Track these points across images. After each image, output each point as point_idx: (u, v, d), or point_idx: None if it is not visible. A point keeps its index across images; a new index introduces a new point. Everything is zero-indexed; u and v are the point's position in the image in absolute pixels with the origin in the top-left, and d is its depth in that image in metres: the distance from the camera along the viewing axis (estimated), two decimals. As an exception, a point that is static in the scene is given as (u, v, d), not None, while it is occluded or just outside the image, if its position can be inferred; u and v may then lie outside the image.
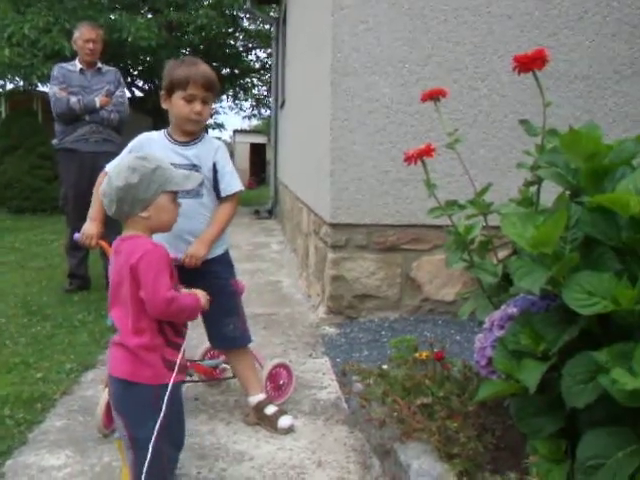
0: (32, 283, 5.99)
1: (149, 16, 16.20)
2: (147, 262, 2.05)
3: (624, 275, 1.90)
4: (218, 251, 2.97)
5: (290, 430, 2.91)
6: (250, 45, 20.48)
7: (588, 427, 1.87)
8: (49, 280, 6.09)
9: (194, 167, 2.83)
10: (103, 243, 2.96)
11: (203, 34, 16.43)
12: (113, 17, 14.37)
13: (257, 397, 3.01)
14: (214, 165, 2.91)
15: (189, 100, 2.80)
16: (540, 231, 1.98)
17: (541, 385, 1.93)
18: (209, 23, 15.89)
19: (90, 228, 2.90)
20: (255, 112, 26.75)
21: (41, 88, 14.89)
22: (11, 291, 5.65)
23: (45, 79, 13.75)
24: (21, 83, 14.72)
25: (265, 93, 23.38)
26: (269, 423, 2.94)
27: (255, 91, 23.48)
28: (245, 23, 19.52)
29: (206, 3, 16.70)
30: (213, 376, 3.37)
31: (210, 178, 2.90)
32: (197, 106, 2.81)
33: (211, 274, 2.90)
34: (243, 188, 3.02)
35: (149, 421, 2.07)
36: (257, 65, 21.56)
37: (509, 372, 2.04)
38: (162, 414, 2.07)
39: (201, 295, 2.24)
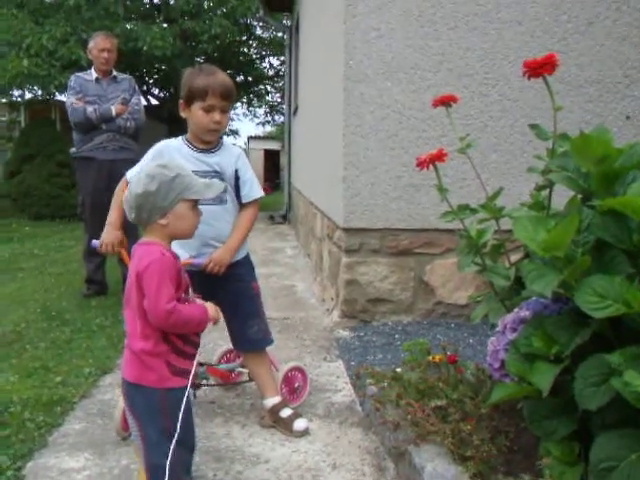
0: (51, 289, 6.03)
1: (164, 26, 16.24)
2: (151, 272, 2.04)
3: (636, 278, 1.89)
4: (240, 254, 2.97)
5: (305, 433, 2.90)
6: (263, 53, 20.54)
7: (601, 430, 1.86)
8: (68, 286, 6.12)
9: (217, 174, 2.84)
10: (122, 251, 2.97)
11: (217, 42, 16.48)
12: (129, 27, 14.46)
13: (273, 400, 3.01)
14: (236, 172, 2.91)
15: (208, 110, 2.78)
16: (552, 235, 1.98)
17: (554, 388, 1.92)
18: (223, 32, 15.93)
19: (109, 236, 2.89)
20: (269, 119, 26.87)
21: (59, 97, 15.01)
22: (31, 297, 5.69)
23: (63, 88, 13.85)
24: (39, 92, 14.85)
25: (278, 100, 23.43)
26: (284, 426, 2.94)
27: (269, 98, 23.55)
28: (258, 31, 19.60)
29: (220, 12, 16.75)
30: (229, 380, 3.38)
31: (232, 185, 2.90)
32: (216, 116, 2.79)
33: (234, 277, 2.91)
34: (263, 194, 3.02)
35: (156, 422, 2.09)
36: (270, 72, 21.63)
37: (522, 375, 2.03)
38: (173, 414, 2.07)
39: (210, 307, 2.19)
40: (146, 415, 2.12)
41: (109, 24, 13.33)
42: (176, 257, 2.16)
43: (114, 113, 5.39)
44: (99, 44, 5.56)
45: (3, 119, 14.71)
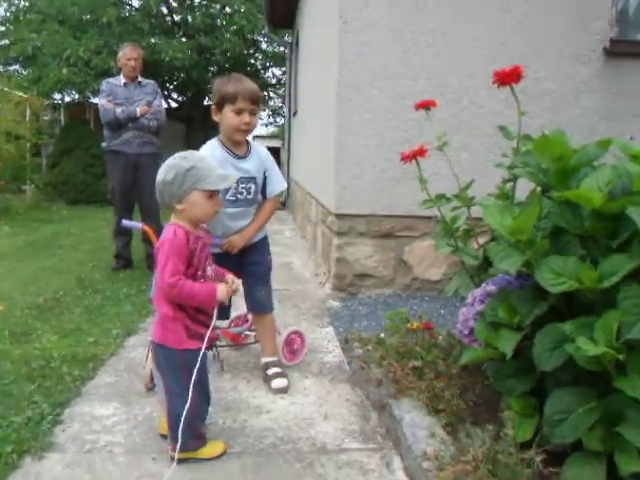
0: (85, 262, 5.98)
1: (183, 40, 16.09)
2: (162, 248, 2.05)
3: (587, 259, 1.88)
4: (260, 235, 2.99)
5: (281, 391, 2.83)
6: (267, 64, 20.32)
7: (554, 387, 1.86)
8: (99, 260, 6.07)
9: (252, 179, 2.82)
10: (147, 228, 2.95)
11: (228, 55, 16.32)
12: (153, 41, 14.32)
13: (266, 359, 2.99)
14: (264, 173, 2.88)
15: (238, 112, 2.70)
16: (516, 221, 1.96)
17: (515, 352, 1.91)
18: (233, 46, 15.78)
19: None
20: (271, 120, 26.65)
21: (93, 100, 14.92)
22: (68, 269, 5.64)
23: (96, 93, 13.78)
24: (76, 96, 14.76)
25: (280, 104, 23.27)
26: (266, 382, 2.91)
27: (272, 103, 23.35)
28: (263, 46, 19.39)
29: (230, 29, 16.59)
30: (238, 341, 3.35)
31: (261, 184, 2.88)
32: (246, 117, 2.71)
33: (255, 249, 2.95)
34: (286, 185, 3.00)
35: (177, 377, 2.09)
36: (273, 81, 21.42)
37: (488, 341, 2.02)
38: (194, 375, 2.06)
39: (221, 290, 2.11)
40: (169, 371, 2.12)
41: (137, 38, 13.22)
42: (190, 238, 2.10)
43: (138, 114, 5.33)
44: (127, 54, 5.50)
45: (46, 118, 14.56)
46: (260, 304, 3.01)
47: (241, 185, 2.78)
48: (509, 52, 4.39)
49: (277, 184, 2.93)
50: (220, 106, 2.75)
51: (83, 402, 2.70)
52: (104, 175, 12.50)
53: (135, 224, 3.33)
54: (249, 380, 3.00)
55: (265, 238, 3.05)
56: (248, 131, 2.78)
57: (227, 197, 2.75)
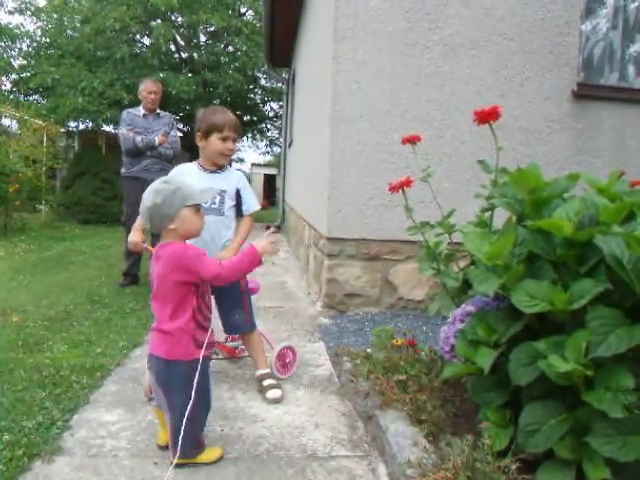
0: (94, 278, 5.94)
1: (189, 75, 16.18)
2: (187, 255, 2.06)
3: (558, 283, 1.89)
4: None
5: (276, 402, 2.81)
6: (266, 98, 20.45)
7: (528, 400, 1.86)
8: (107, 276, 6.04)
9: (222, 192, 2.89)
10: (150, 248, 2.93)
11: (230, 90, 16.43)
12: (162, 75, 14.40)
13: (260, 371, 2.98)
14: (237, 191, 2.97)
15: (224, 140, 2.84)
16: (494, 247, 1.97)
17: (492, 367, 1.91)
18: (235, 82, 15.90)
19: (132, 236, 2.86)
20: (268, 150, 26.74)
21: (105, 128, 14.95)
22: (78, 284, 5.60)
23: (108, 121, 13.85)
24: (90, 125, 14.78)
25: (276, 135, 23.37)
26: (262, 393, 2.89)
27: (269, 134, 23.45)
28: (263, 81, 19.54)
29: (233, 66, 16.71)
30: (234, 355, 3.34)
31: (233, 200, 2.96)
32: (230, 144, 2.87)
33: None
34: (258, 207, 3.07)
35: (183, 390, 2.05)
36: (271, 114, 21.55)
37: (468, 356, 2.02)
38: (195, 383, 2.04)
39: (261, 244, 2.26)
40: (174, 385, 2.08)
41: (147, 72, 13.29)
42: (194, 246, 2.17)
43: (157, 143, 5.36)
44: (148, 87, 5.54)
45: (61, 144, 14.56)
46: (237, 327, 3.01)
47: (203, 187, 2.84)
48: (488, 91, 4.45)
49: (252, 204, 3.02)
50: (207, 134, 2.86)
51: (91, 409, 2.68)
52: (114, 198, 12.58)
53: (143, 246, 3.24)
54: (245, 391, 2.98)
55: None
56: (230, 156, 2.92)
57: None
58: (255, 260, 2.22)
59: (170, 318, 2.07)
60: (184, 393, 2.06)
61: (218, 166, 2.93)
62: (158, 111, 5.62)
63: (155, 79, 5.93)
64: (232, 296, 2.95)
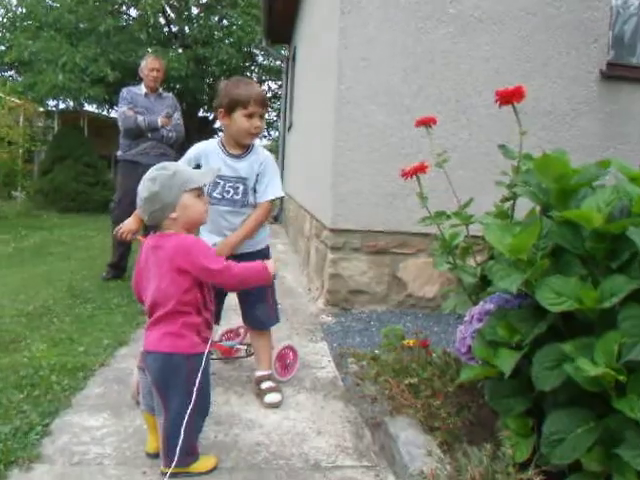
0: (76, 271, 5.95)
1: (179, 51, 16.15)
2: (195, 247, 2.07)
3: (587, 279, 1.88)
4: (260, 245, 2.93)
5: (274, 406, 2.80)
6: (263, 77, 20.45)
7: (552, 407, 1.85)
8: (90, 269, 6.04)
9: (240, 180, 2.79)
10: (142, 238, 2.90)
11: (224, 67, 16.40)
12: (150, 51, 14.36)
13: (260, 372, 2.97)
14: (257, 176, 2.83)
15: (250, 116, 2.71)
16: (517, 240, 1.96)
17: (513, 371, 1.90)
18: (229, 58, 15.87)
19: (129, 223, 2.75)
20: (265, 134, 26.69)
21: (88, 108, 14.92)
22: (58, 277, 5.61)
23: (91, 100, 13.82)
24: (71, 103, 14.75)
25: (275, 118, 23.32)
26: (259, 396, 2.88)
27: (266, 116, 23.46)
28: (260, 59, 19.51)
29: (227, 42, 16.68)
30: (230, 355, 3.33)
31: (253, 187, 2.84)
32: (257, 122, 2.74)
33: (253, 260, 2.85)
34: (280, 194, 2.89)
35: (182, 390, 2.05)
36: (269, 94, 21.51)
37: (486, 359, 2.01)
38: (197, 382, 2.03)
39: (271, 264, 2.26)
40: (173, 384, 2.06)
41: (134, 47, 13.27)
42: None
43: (160, 124, 5.35)
44: (150, 64, 5.53)
45: (39, 125, 14.55)
46: (260, 322, 2.99)
47: (228, 184, 2.78)
48: (509, 70, 4.43)
49: (269, 190, 2.84)
50: (230, 110, 2.73)
51: (72, 412, 2.67)
52: (97, 184, 12.59)
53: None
54: (241, 394, 2.97)
55: (265, 249, 2.97)
56: (258, 134, 2.79)
57: (214, 194, 2.77)
58: (262, 278, 2.22)
59: (172, 314, 2.06)
60: (183, 393, 2.05)
61: (243, 147, 2.82)
62: (160, 91, 5.63)
63: (157, 55, 5.93)
64: (256, 288, 2.93)
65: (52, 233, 8.99)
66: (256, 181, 2.83)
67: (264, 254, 2.91)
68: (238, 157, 2.81)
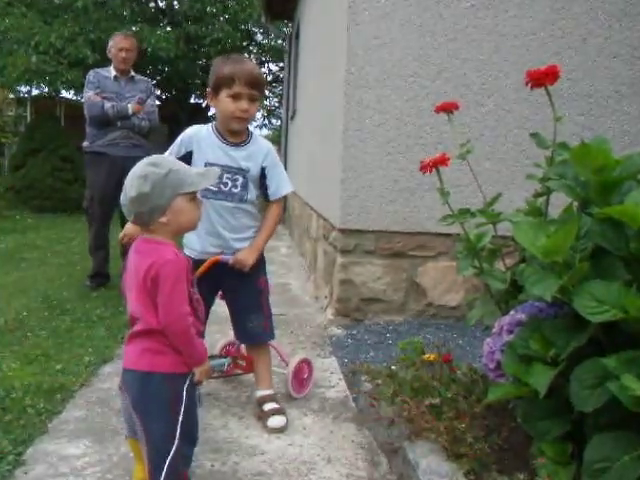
0: (53, 279, 5.97)
1: (168, 29, 16.21)
2: (167, 269, 1.99)
3: (633, 285, 1.87)
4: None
5: (278, 430, 2.81)
6: (263, 59, 20.51)
7: (595, 431, 1.84)
8: (69, 276, 6.07)
9: (240, 172, 2.80)
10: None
11: (219, 47, 16.44)
12: (135, 29, 14.41)
13: (262, 392, 2.98)
14: (262, 170, 2.85)
15: (235, 98, 2.71)
16: (551, 240, 1.95)
17: (549, 389, 1.90)
18: (225, 36, 15.91)
19: (131, 227, 2.70)
20: (266, 122, 26.77)
21: (65, 94, 14.95)
22: (33, 286, 5.63)
23: (69, 86, 13.85)
24: (46, 89, 14.79)
25: (276, 104, 23.40)
26: (262, 419, 2.89)
27: (266, 102, 23.47)
28: (259, 37, 19.57)
29: (222, 18, 16.74)
30: (227, 372, 3.32)
31: (257, 181, 2.86)
32: (243, 104, 2.72)
33: (239, 271, 2.85)
34: (292, 189, 2.97)
35: (164, 416, 2.03)
36: (269, 78, 21.59)
37: (518, 376, 2.01)
38: (182, 409, 2.03)
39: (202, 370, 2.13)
40: (153, 408, 2.04)
41: (116, 25, 13.31)
42: (187, 258, 2.12)
43: (130, 111, 5.34)
44: (118, 43, 5.52)
45: (10, 114, 14.61)
46: (253, 336, 3.00)
47: (226, 175, 2.78)
48: (541, 48, 4.41)
49: (282, 184, 2.91)
50: (216, 90, 2.76)
51: (49, 440, 2.68)
52: (75, 180, 12.61)
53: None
54: (241, 417, 2.98)
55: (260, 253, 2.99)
56: (246, 119, 2.78)
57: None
58: (200, 359, 2.11)
59: (152, 327, 2.05)
60: (165, 418, 2.03)
61: (242, 135, 2.83)
62: (132, 74, 5.62)
63: (128, 33, 5.92)
64: (248, 296, 2.94)
65: (25, 236, 9.02)
66: (262, 175, 2.85)
67: (260, 258, 2.96)
68: (237, 145, 2.83)
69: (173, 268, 2.00)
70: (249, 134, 2.88)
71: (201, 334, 2.17)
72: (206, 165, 2.74)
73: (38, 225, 10.37)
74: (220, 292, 2.99)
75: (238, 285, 2.92)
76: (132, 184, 2.03)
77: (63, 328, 4.31)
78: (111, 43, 5.60)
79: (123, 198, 2.07)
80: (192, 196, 2.12)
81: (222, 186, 2.78)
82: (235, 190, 2.81)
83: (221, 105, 2.75)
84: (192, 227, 2.20)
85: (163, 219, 2.05)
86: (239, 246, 2.85)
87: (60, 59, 13.24)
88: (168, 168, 2.05)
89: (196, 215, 2.16)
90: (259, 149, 2.86)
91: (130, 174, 2.07)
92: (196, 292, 2.16)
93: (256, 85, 2.75)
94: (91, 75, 5.53)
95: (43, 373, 3.41)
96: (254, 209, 2.92)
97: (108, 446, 2.63)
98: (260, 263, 2.98)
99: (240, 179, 2.81)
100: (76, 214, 11.30)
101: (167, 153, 2.80)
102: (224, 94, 2.72)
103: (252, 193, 2.86)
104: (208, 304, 2.78)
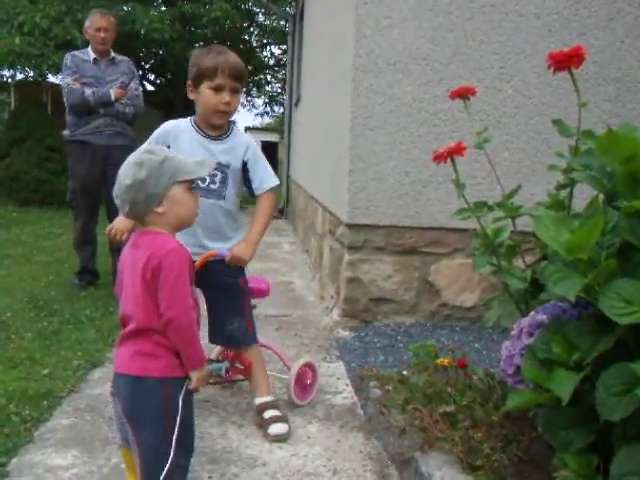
0: (39, 277, 5.98)
1: (162, 8, 16.23)
2: (170, 260, 2.00)
3: (663, 284, 1.86)
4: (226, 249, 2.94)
5: (280, 439, 2.82)
6: (265, 41, 20.50)
7: (623, 442, 1.83)
8: (56, 275, 6.08)
9: (221, 166, 2.83)
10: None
11: (217, 28, 16.43)
12: (126, 8, 14.39)
13: (261, 399, 2.98)
14: (244, 164, 2.91)
15: (217, 90, 2.77)
16: (576, 235, 1.95)
17: (573, 396, 1.89)
18: (223, 16, 15.89)
19: (121, 221, 2.71)
20: (268, 109, 26.75)
21: (51, 79, 14.94)
22: (17, 285, 5.65)
23: (56, 69, 13.81)
24: (31, 73, 14.77)
25: (279, 90, 23.39)
26: (262, 427, 2.90)
27: (268, 88, 23.49)
28: (260, 18, 19.55)
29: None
30: (225, 378, 3.33)
31: (239, 176, 2.91)
32: (225, 96, 2.79)
33: (222, 270, 2.87)
34: (278, 181, 3.01)
35: (158, 424, 2.03)
36: (271, 62, 21.60)
37: (539, 382, 2.00)
38: (179, 416, 2.03)
39: (204, 371, 2.14)
40: (146, 416, 2.04)
41: (106, 4, 13.27)
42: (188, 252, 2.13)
43: (113, 97, 5.33)
44: (95, 23, 5.48)
45: (-7, 99, 14.67)
46: (234, 338, 3.02)
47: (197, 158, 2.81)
48: (564, 28, 4.40)
49: (267, 178, 2.95)
50: (197, 82, 2.81)
51: (35, 449, 2.69)
52: (63, 171, 12.59)
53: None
54: (240, 425, 2.99)
55: None
56: (228, 113, 2.84)
57: None
58: (196, 363, 2.08)
59: (145, 329, 2.04)
60: (159, 426, 2.03)
61: (220, 128, 2.88)
62: (113, 55, 5.59)
63: (104, 11, 5.85)
64: (227, 296, 2.95)
65: (9, 231, 9.04)
66: (244, 169, 2.91)
67: None
68: (216, 139, 2.88)
69: (176, 258, 2.02)
70: (229, 127, 2.93)
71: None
72: None
73: (23, 219, 10.40)
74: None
75: (221, 284, 2.93)
76: (127, 172, 2.05)
77: (50, 330, 4.32)
78: (87, 23, 5.57)
79: (117, 188, 2.08)
80: (188, 186, 2.13)
81: (199, 182, 2.77)
82: (213, 186, 2.85)
83: (202, 98, 2.81)
84: (190, 220, 2.20)
85: (159, 209, 2.06)
86: (213, 246, 2.87)
87: (46, 41, 13.21)
88: (164, 155, 2.08)
89: (194, 207, 2.18)
90: (240, 141, 2.92)
91: (125, 163, 2.09)
92: (194, 292, 2.16)
93: (239, 77, 2.81)
94: (68, 59, 5.50)
95: (28, 378, 3.42)
96: (233, 208, 2.95)
97: (98, 456, 2.64)
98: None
99: (219, 174, 2.85)
100: (64, 208, 11.29)
101: (149, 139, 2.88)
102: (205, 86, 2.79)
103: (231, 189, 2.90)
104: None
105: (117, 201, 2.11)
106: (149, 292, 2.01)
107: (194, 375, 2.07)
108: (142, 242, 2.08)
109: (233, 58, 2.82)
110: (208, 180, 2.82)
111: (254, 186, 2.93)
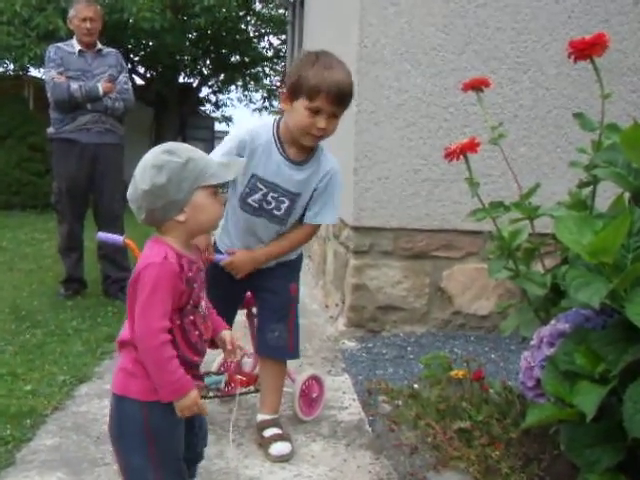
0: (21, 286, 5.98)
1: (153, -4, 16.22)
2: (147, 274, 1.91)
3: (694, 289, 1.86)
4: (291, 256, 2.98)
5: (282, 459, 2.81)
6: (263, 31, 20.50)
7: (653, 461, 1.83)
8: (40, 283, 6.08)
9: (290, 194, 2.77)
10: (129, 242, 2.89)
11: (211, 17, 16.42)
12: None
13: (264, 416, 2.99)
14: (313, 192, 2.81)
15: (314, 112, 2.60)
16: (599, 238, 1.95)
17: (599, 411, 1.89)
18: (218, 4, 15.88)
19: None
20: (266, 104, 26.75)
21: (33, 72, 14.94)
22: (-2, 295, 5.65)
23: (37, 62, 13.82)
24: (11, 66, 14.79)
25: (278, 84, 23.39)
26: (263, 446, 2.89)
27: (267, 81, 23.47)
28: (258, 6, 19.55)
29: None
30: (227, 391, 3.32)
31: (304, 203, 2.84)
32: (322, 122, 2.61)
33: (274, 273, 2.92)
34: (334, 221, 3.02)
35: (139, 450, 1.97)
36: (270, 53, 21.58)
37: (561, 395, 2.00)
38: (161, 439, 1.97)
39: (194, 396, 1.94)
40: (126, 439, 1.99)
41: (91, -8, 13.31)
42: (184, 264, 1.97)
43: (101, 92, 5.32)
44: (80, 12, 5.46)
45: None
46: (271, 348, 2.99)
47: (272, 194, 2.77)
48: (586, 13, 4.41)
49: (323, 213, 2.85)
50: (294, 95, 2.65)
51: (16, 472, 2.68)
52: (47, 172, 12.61)
53: (113, 237, 3.15)
54: (239, 443, 2.98)
55: (296, 261, 3.05)
56: (320, 137, 2.71)
57: (249, 200, 2.77)
58: (167, 393, 1.91)
59: (132, 342, 2.01)
60: (141, 453, 1.97)
61: (306, 150, 2.76)
62: (100, 47, 5.58)
63: (90, 0, 5.84)
64: (274, 300, 2.95)
65: (-11, 237, 9.06)
66: (310, 197, 2.82)
67: (294, 267, 3.04)
68: (298, 165, 2.78)
69: (153, 273, 1.90)
70: (316, 149, 2.81)
71: (193, 363, 2.06)
72: (252, 177, 2.74)
73: (3, 224, 10.41)
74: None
75: (270, 286, 2.95)
76: (144, 175, 1.94)
77: (33, 343, 4.32)
78: (72, 12, 5.56)
79: (131, 192, 1.98)
80: (214, 190, 2.02)
81: (265, 204, 2.78)
82: (277, 213, 2.81)
83: (295, 115, 2.65)
84: (212, 227, 2.17)
85: (180, 217, 1.96)
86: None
87: (27, 31, 13.22)
88: (187, 156, 1.96)
89: (218, 213, 2.08)
90: (318, 169, 2.80)
91: (140, 163, 1.98)
92: (201, 309, 2.08)
93: (343, 103, 2.66)
94: (52, 51, 5.49)
95: (10, 395, 3.41)
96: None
97: (85, 479, 2.63)
98: (294, 268, 3.05)
99: (286, 202, 2.79)
100: (48, 211, 11.31)
101: (218, 149, 2.77)
102: (302, 104, 2.61)
103: (294, 217, 2.86)
104: (234, 306, 2.96)
105: (132, 206, 1.99)
106: (132, 306, 1.95)
107: (176, 405, 1.92)
108: (144, 251, 2.03)
109: (341, 76, 2.62)
110: (273, 205, 2.77)
111: (307, 214, 2.85)
